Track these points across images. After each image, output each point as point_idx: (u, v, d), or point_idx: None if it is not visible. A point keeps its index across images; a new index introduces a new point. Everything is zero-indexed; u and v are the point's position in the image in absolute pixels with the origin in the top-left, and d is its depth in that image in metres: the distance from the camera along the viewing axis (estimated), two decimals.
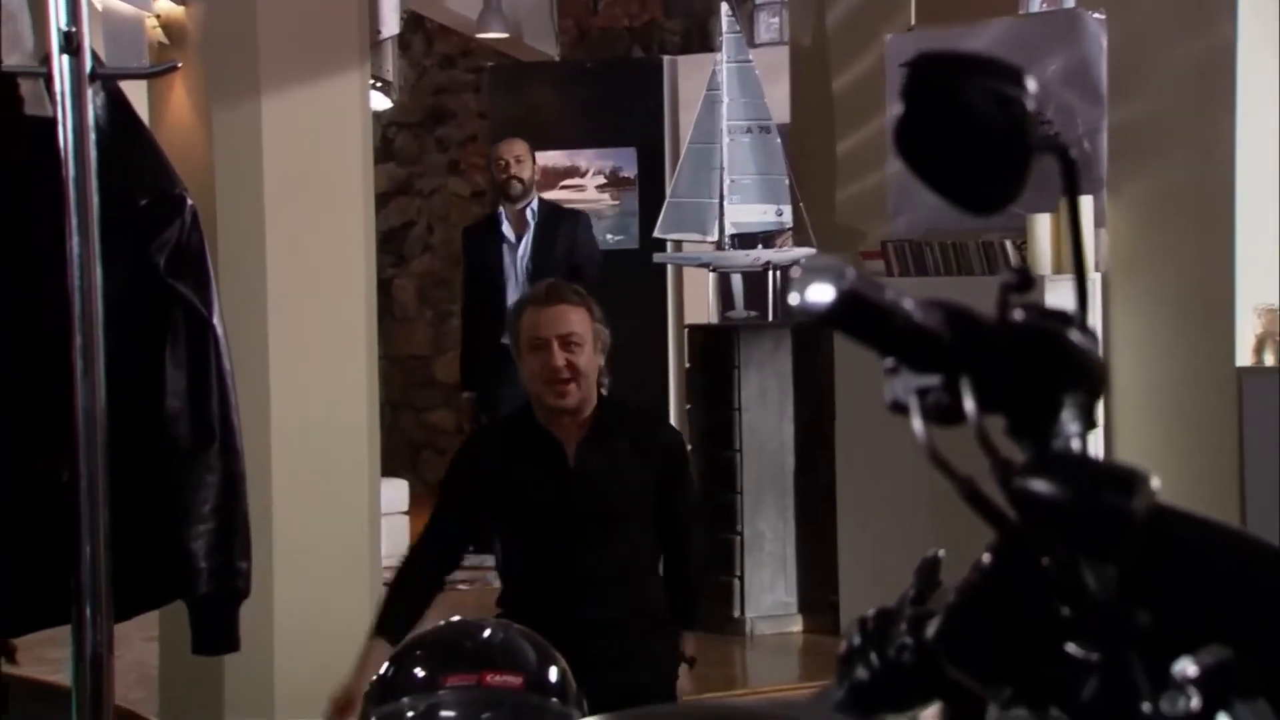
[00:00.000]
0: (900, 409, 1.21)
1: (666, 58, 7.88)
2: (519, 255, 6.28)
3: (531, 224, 6.31)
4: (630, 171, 7.80)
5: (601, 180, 7.83)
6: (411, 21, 8.61)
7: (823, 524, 5.70)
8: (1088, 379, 1.23)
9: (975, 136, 1.18)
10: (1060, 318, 1.23)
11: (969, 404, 1.17)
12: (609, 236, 7.60)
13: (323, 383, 4.42)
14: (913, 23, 5.93)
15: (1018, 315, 1.21)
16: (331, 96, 4.53)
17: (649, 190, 7.57)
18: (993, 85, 1.18)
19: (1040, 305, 1.23)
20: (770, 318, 6.06)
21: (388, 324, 8.53)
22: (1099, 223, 5.34)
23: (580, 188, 7.79)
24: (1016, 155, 1.19)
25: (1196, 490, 5.06)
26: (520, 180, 6.32)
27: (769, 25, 8.06)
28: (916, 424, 1.19)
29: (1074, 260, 1.25)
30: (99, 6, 4.10)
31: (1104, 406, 5.42)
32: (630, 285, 6.77)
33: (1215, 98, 5.09)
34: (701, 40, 8.08)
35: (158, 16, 4.44)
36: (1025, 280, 1.17)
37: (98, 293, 2.48)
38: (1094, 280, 5.33)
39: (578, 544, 3.39)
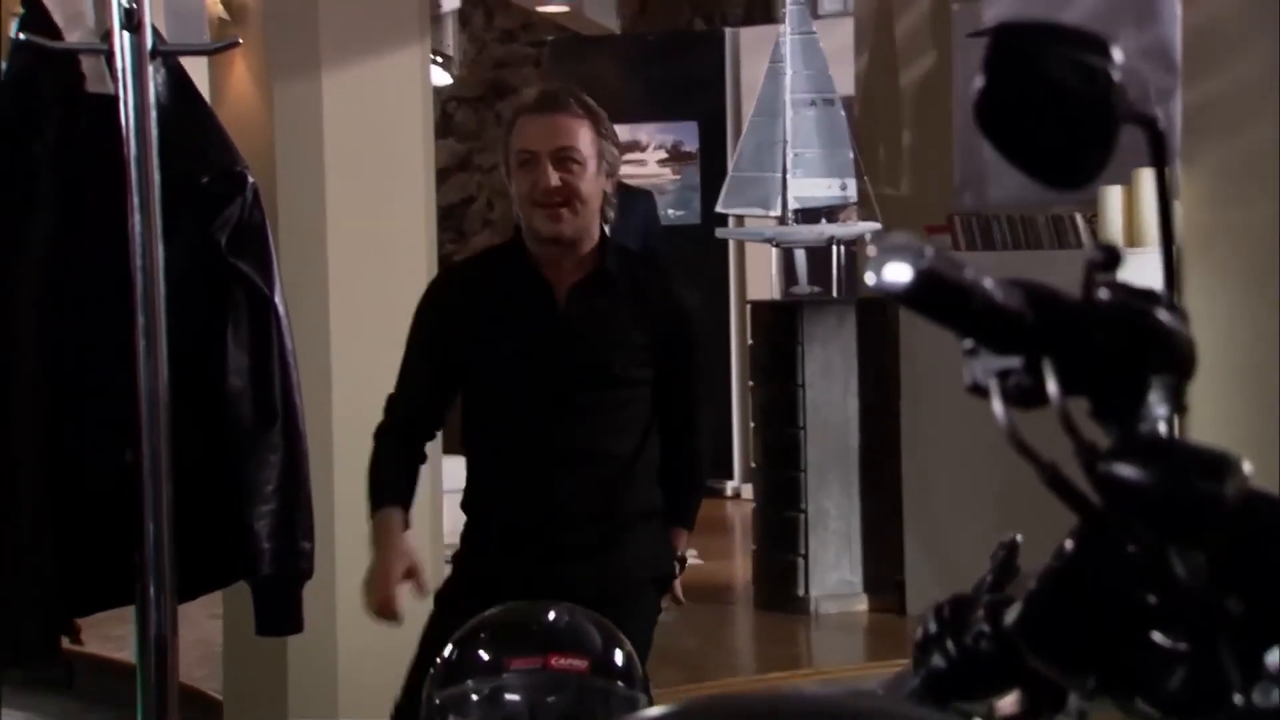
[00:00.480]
0: (980, 391, 1.17)
1: (728, 29, 7.81)
2: None
3: None
4: (692, 145, 7.75)
5: (663, 154, 7.79)
6: None
7: (888, 502, 5.64)
8: (1177, 359, 1.19)
9: (1059, 108, 1.13)
10: (1148, 296, 1.19)
11: (1052, 386, 1.13)
12: (670, 211, 7.55)
13: (384, 360, 4.39)
14: None
15: (1103, 293, 1.17)
16: (392, 72, 4.50)
17: (711, 164, 7.52)
18: (1078, 55, 1.13)
19: (1126, 283, 1.18)
20: (834, 293, 6.00)
21: None
22: (1173, 195, 5.24)
23: (641, 162, 7.75)
24: (1102, 127, 1.14)
25: (1264, 441, 4.97)
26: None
27: None
28: (997, 407, 1.15)
29: (1162, 235, 1.21)
30: None
31: None
32: (692, 261, 6.72)
33: None
34: (764, 11, 8.00)
35: None
36: (1111, 257, 1.13)
37: (159, 272, 2.47)
38: None
39: (559, 407, 2.86)
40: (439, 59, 4.81)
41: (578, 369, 2.87)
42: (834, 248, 5.95)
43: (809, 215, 5.95)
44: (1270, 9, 5.03)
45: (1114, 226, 5.24)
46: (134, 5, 2.46)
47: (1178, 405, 1.18)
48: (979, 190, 5.73)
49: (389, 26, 4.52)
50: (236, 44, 2.53)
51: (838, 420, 5.74)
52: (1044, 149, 1.15)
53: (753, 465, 6.12)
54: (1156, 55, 5.34)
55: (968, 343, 1.18)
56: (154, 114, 2.48)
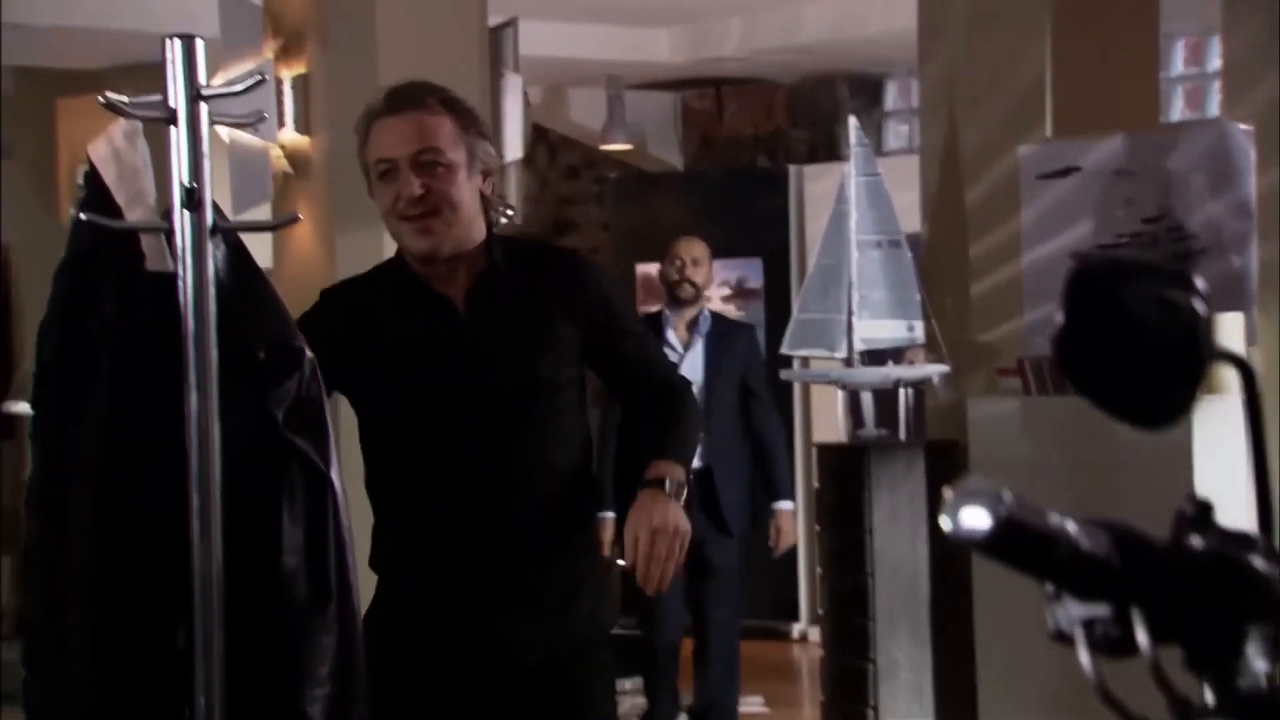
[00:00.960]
0: (1064, 639, 1.11)
1: (792, 167, 7.81)
2: (685, 368, 5.55)
3: (701, 335, 5.79)
4: (756, 282, 7.72)
5: (727, 291, 7.76)
6: (536, 132, 8.66)
7: (960, 652, 5.50)
8: (1276, 610, 1.11)
9: (1143, 348, 1.07)
10: (1243, 541, 1.11)
11: (1142, 636, 1.07)
12: None
13: None
14: (1049, 133, 5.80)
15: (1194, 540, 1.10)
16: None
17: (775, 301, 7.49)
18: (1160, 290, 1.07)
19: (1220, 527, 1.11)
20: (902, 436, 5.91)
21: None
22: (1250, 341, 5.13)
23: (706, 299, 7.73)
24: (1189, 367, 1.08)
25: None
26: (694, 284, 5.81)
27: (898, 133, 7.97)
28: (1084, 658, 1.09)
29: (1255, 476, 1.13)
30: (226, 139, 4.12)
31: (1260, 534, 5.16)
32: None
33: None
34: (828, 148, 8.01)
35: (282, 146, 4.46)
36: (1204, 512, 1.06)
37: (215, 451, 2.44)
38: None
39: (484, 428, 2.51)
40: (508, 212, 4.81)
41: (498, 380, 2.54)
42: (901, 390, 5.87)
43: (875, 357, 5.88)
44: None
45: None
46: (195, 184, 2.45)
47: (1279, 659, 1.11)
48: (1050, 334, 5.64)
49: None
50: (296, 220, 2.51)
51: (907, 567, 5.62)
52: (1128, 389, 1.09)
53: (820, 612, 6.00)
54: (1229, 200, 5.26)
55: (1049, 588, 1.12)
56: (213, 291, 2.47)
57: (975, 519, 1.01)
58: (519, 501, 2.56)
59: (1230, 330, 5.08)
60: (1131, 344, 1.06)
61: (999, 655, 5.43)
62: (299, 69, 4.43)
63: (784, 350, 6.11)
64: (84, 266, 2.59)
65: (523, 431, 2.57)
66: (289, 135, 4.43)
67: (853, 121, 6.13)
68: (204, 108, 2.50)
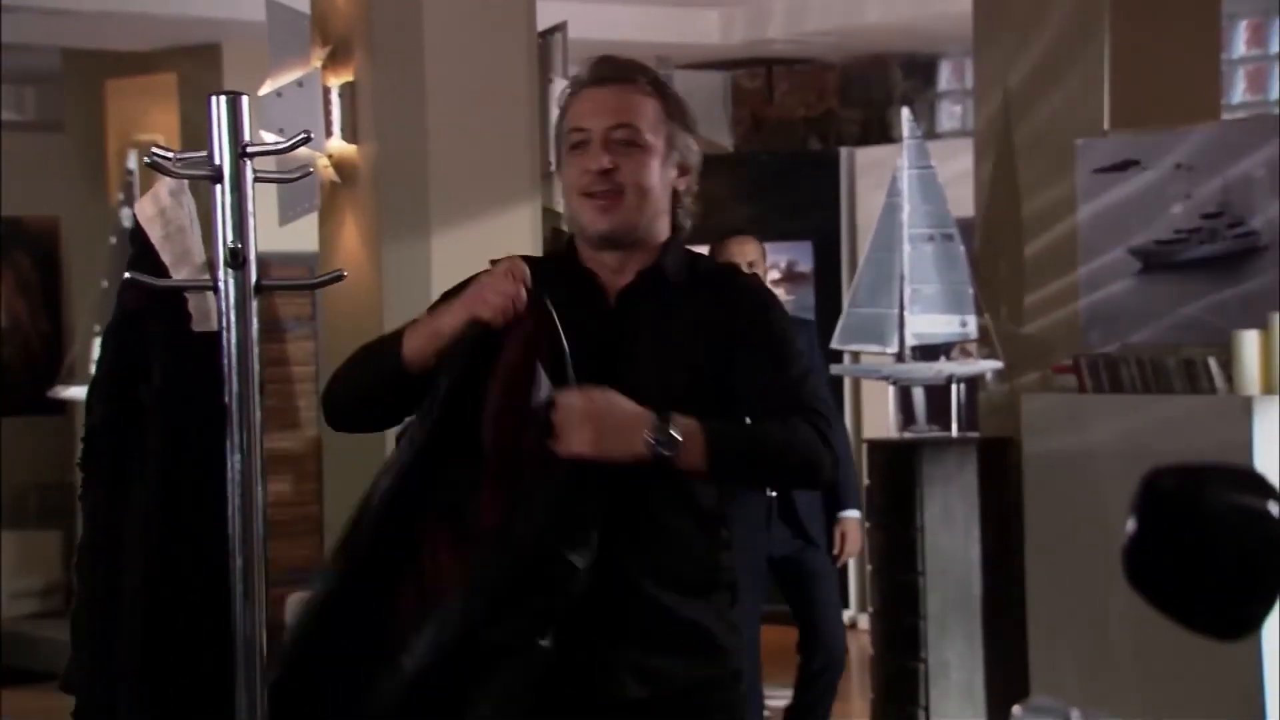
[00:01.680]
0: None
1: (844, 149, 7.72)
2: None
3: None
4: (806, 265, 7.65)
5: (776, 275, 7.69)
6: None
7: (1014, 653, 5.45)
8: None
9: (1219, 557, 1.02)
10: None
11: None
12: None
13: None
14: (1106, 125, 5.69)
15: None
16: (503, 230, 4.46)
17: (825, 285, 7.41)
18: (1236, 499, 1.02)
19: None
20: (954, 433, 5.84)
21: None
22: None
23: None
24: (1267, 576, 1.02)
25: None
26: None
27: (951, 114, 7.86)
28: None
29: None
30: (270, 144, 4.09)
31: None
32: None
33: None
34: (880, 130, 7.90)
35: (330, 155, 4.43)
36: None
37: (259, 514, 2.42)
38: None
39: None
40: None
41: (632, 386, 2.29)
42: (953, 386, 5.79)
43: (928, 352, 5.80)
44: None
45: (1250, 373, 5.04)
46: (238, 244, 2.42)
47: None
48: (1107, 329, 5.56)
49: (500, 184, 4.48)
50: (341, 277, 2.48)
51: (959, 566, 5.57)
52: (1203, 600, 1.04)
53: (869, 610, 5.96)
54: None
55: None
56: (256, 350, 2.44)
57: None
58: (648, 538, 2.33)
59: None
60: (1206, 554, 1.00)
61: (1052, 656, 5.38)
62: (346, 77, 4.39)
63: (835, 344, 6.04)
64: (132, 328, 2.58)
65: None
66: (336, 144, 4.39)
67: (905, 113, 6.04)
68: (249, 165, 2.46)
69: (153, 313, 2.55)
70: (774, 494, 4.97)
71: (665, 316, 2.37)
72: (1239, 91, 6.99)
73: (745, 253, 5.31)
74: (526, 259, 2.45)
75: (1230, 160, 5.28)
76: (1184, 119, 5.57)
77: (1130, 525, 1.01)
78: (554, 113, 4.72)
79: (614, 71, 2.36)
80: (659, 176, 2.35)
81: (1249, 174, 5.24)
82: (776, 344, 2.42)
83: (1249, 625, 1.02)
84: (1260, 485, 1.00)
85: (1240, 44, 7.12)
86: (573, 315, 2.32)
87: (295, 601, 8.19)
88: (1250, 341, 5.04)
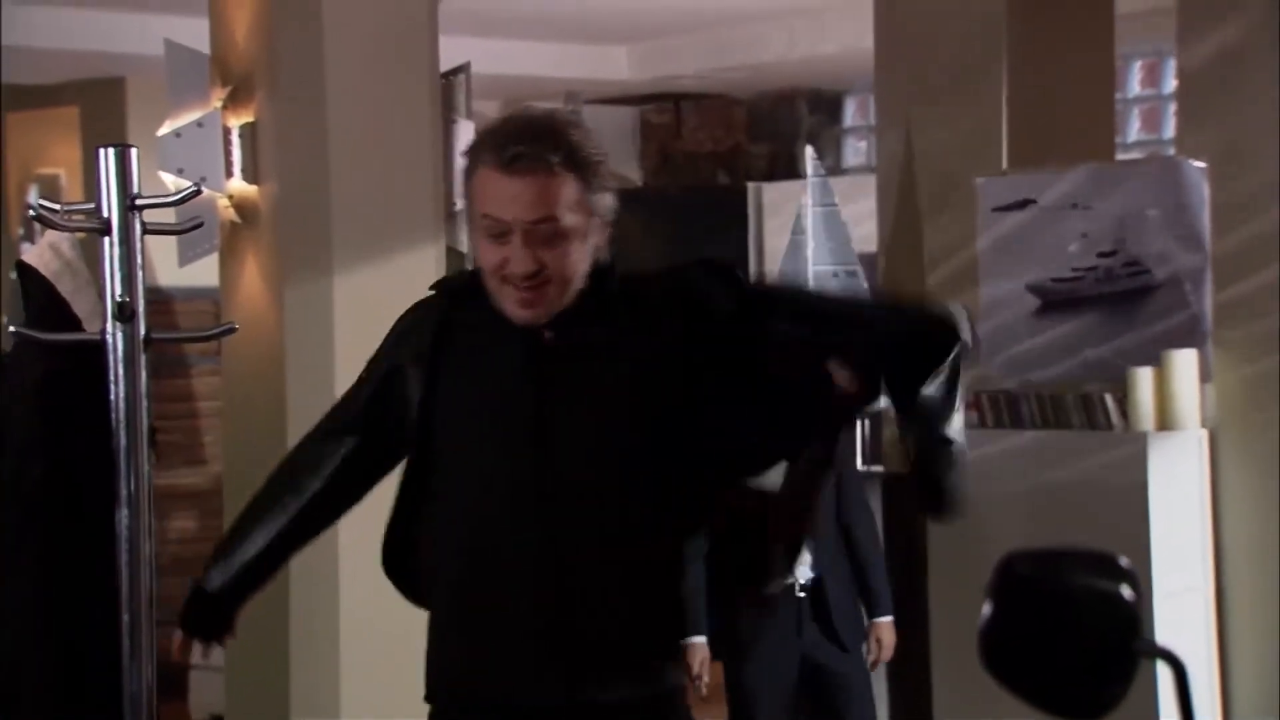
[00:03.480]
0: None
1: (751, 184, 7.77)
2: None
3: None
4: None
5: None
6: None
7: (917, 671, 5.50)
8: None
9: (1075, 639, 1.04)
10: None
11: None
12: None
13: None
14: (1004, 163, 5.77)
15: None
16: (406, 271, 4.45)
17: None
18: (1091, 582, 1.04)
19: None
20: (859, 467, 5.89)
21: None
22: (1205, 378, 5.12)
23: None
24: (1121, 661, 1.05)
25: None
26: None
27: (857, 150, 7.94)
28: None
29: None
30: (172, 187, 4.06)
31: (1213, 570, 5.21)
32: None
33: None
34: (788, 166, 7.97)
35: (230, 195, 4.40)
36: None
37: (146, 569, 2.41)
38: (1201, 436, 5.11)
39: (551, 498, 2.21)
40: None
41: (575, 429, 2.24)
42: (859, 421, 5.85)
43: None
44: None
45: (1145, 409, 5.12)
46: (127, 297, 2.40)
47: None
48: (1007, 365, 5.63)
49: (403, 225, 4.47)
50: (233, 329, 2.46)
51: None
52: (1059, 683, 1.06)
53: None
54: (1184, 235, 5.25)
55: None
56: (145, 404, 2.43)
57: None
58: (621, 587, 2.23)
59: (1186, 367, 5.08)
60: (1062, 637, 1.03)
61: (955, 676, 5.42)
62: (247, 117, 4.36)
63: None
64: (59, 383, 2.57)
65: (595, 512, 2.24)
66: (237, 184, 4.36)
67: (809, 151, 6.10)
68: (138, 218, 2.45)
69: (82, 368, 2.54)
70: (803, 594, 4.75)
71: (594, 360, 2.26)
72: (1134, 130, 7.12)
73: None
74: (439, 300, 2.47)
75: (1125, 199, 5.37)
76: (1080, 157, 5.66)
77: (986, 609, 1.03)
78: (458, 155, 4.75)
79: (526, 155, 2.18)
80: (582, 254, 2.25)
81: (1143, 213, 5.33)
82: (790, 297, 2.36)
83: (1103, 708, 1.05)
84: (1113, 569, 1.03)
85: (1135, 83, 7.26)
86: (492, 368, 2.28)
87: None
88: (1145, 379, 5.12)
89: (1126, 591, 1.02)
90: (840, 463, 4.99)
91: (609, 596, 2.25)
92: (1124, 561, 1.03)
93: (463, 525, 2.32)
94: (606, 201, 2.30)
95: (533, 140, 2.21)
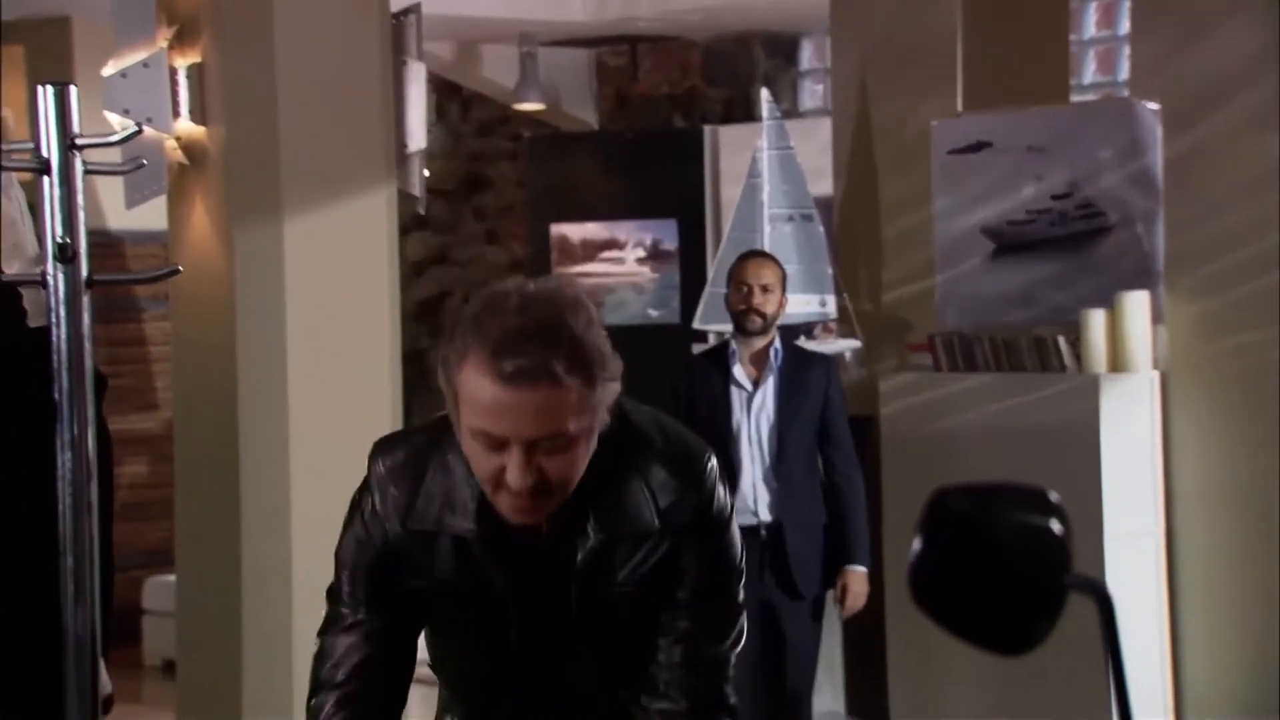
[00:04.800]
0: None
1: (708, 127, 7.74)
2: (755, 407, 4.92)
3: (774, 370, 4.93)
4: (671, 244, 7.67)
5: (641, 253, 7.70)
6: (448, 88, 8.52)
7: (872, 626, 5.53)
8: None
9: (1004, 575, 1.04)
10: None
11: None
12: (650, 311, 7.48)
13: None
14: (960, 107, 5.76)
15: None
16: (356, 213, 4.41)
17: (690, 263, 7.44)
18: (1020, 517, 1.04)
19: None
20: None
21: (423, 395, 8.43)
22: (1157, 319, 5.15)
23: (620, 260, 7.67)
24: (1049, 595, 1.05)
25: (1260, 599, 4.87)
26: (763, 315, 4.92)
27: (813, 93, 7.91)
28: None
29: (1117, 706, 1.10)
30: (118, 128, 4.01)
31: (1164, 511, 5.25)
32: (671, 362, 6.61)
33: (1270, 188, 4.90)
34: (744, 109, 7.93)
35: (177, 138, 4.35)
36: None
37: (91, 513, 2.37)
38: (1152, 378, 5.14)
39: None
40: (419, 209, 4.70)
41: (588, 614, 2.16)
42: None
43: (787, 332, 5.85)
44: (1248, 128, 4.97)
45: (1097, 351, 5.15)
46: (67, 239, 2.36)
47: None
48: (962, 308, 5.65)
49: (353, 167, 4.43)
50: (177, 271, 2.43)
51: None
52: (988, 618, 1.06)
53: None
54: (1137, 178, 5.27)
55: None
56: (88, 346, 2.39)
57: None
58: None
59: (1138, 309, 5.11)
60: (992, 572, 1.03)
61: (908, 630, 5.46)
62: (194, 58, 4.31)
63: (696, 325, 6.07)
64: None
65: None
66: (184, 126, 4.31)
67: (765, 94, 6.07)
68: (78, 157, 2.41)
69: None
70: (765, 541, 4.75)
71: (579, 552, 2.11)
72: (1089, 72, 7.12)
73: (761, 275, 4.95)
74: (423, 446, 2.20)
75: (1079, 142, 5.38)
76: (1035, 100, 5.66)
77: (916, 544, 1.03)
78: (410, 94, 4.70)
79: (529, 372, 1.91)
80: (588, 452, 2.02)
81: (1097, 156, 5.34)
82: (711, 590, 2.18)
83: (1032, 642, 1.05)
84: (1044, 504, 1.03)
85: (1090, 25, 7.26)
86: (504, 565, 2.13)
87: (154, 584, 8.06)
88: (1097, 321, 5.14)
89: (1056, 526, 1.02)
90: (829, 415, 4.97)
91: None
92: (1054, 496, 1.03)
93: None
94: (612, 391, 2.01)
95: (537, 348, 1.92)
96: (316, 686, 2.24)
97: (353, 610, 2.22)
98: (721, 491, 2.18)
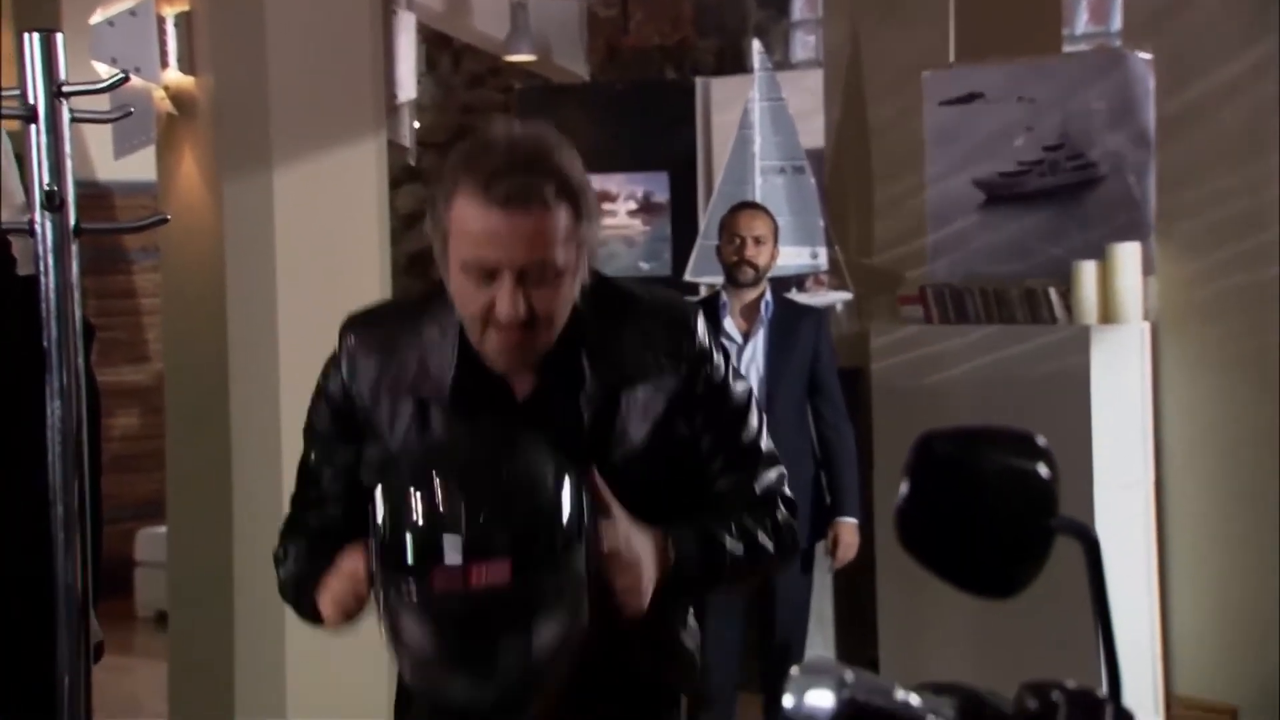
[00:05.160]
0: None
1: (699, 79, 7.70)
2: (745, 359, 4.92)
3: (764, 322, 4.93)
4: (662, 196, 7.64)
5: (633, 205, 7.68)
6: (438, 39, 8.48)
7: (863, 578, 5.56)
8: None
9: (990, 518, 1.05)
10: (1089, 704, 1.09)
11: None
12: (642, 264, 7.46)
13: None
14: (951, 57, 5.74)
15: (1031, 703, 1.07)
16: (346, 165, 4.40)
17: (682, 216, 7.42)
18: (1007, 460, 1.05)
19: (1067, 688, 1.09)
20: None
21: None
22: (1148, 270, 5.15)
23: (612, 213, 7.64)
24: (1036, 538, 1.05)
25: (1249, 550, 4.90)
26: (755, 267, 4.92)
27: (805, 44, 7.88)
28: None
29: (1103, 649, 1.11)
30: (106, 77, 3.98)
31: (1154, 463, 5.26)
32: None
33: (1265, 147, 4.89)
34: (735, 61, 7.90)
35: (166, 88, 4.32)
36: (1048, 708, 1.03)
37: (81, 461, 2.38)
38: (1143, 329, 5.15)
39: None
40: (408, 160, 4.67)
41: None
42: None
43: (779, 284, 5.85)
44: (1240, 78, 4.96)
45: (1088, 302, 5.15)
46: (54, 187, 2.36)
47: None
48: (953, 260, 5.64)
49: (343, 118, 4.41)
50: (165, 220, 2.42)
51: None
52: (974, 561, 1.06)
53: None
54: (1129, 128, 5.25)
55: None
56: (77, 295, 2.39)
57: (819, 699, 0.98)
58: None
59: (1129, 261, 5.10)
60: (978, 516, 1.03)
61: (898, 583, 5.49)
62: (181, 6, 4.28)
63: (688, 277, 6.07)
64: None
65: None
66: (173, 75, 4.28)
67: (756, 45, 6.05)
68: (65, 105, 2.40)
69: None
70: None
71: (582, 408, 2.10)
72: (1082, 23, 7.09)
73: (753, 227, 4.92)
74: (393, 314, 2.24)
75: (1070, 93, 5.37)
76: (1027, 50, 5.65)
77: (904, 488, 1.03)
78: (400, 45, 4.68)
79: (520, 193, 1.94)
80: (573, 291, 2.04)
81: (1089, 106, 5.33)
82: (722, 400, 2.17)
83: (1018, 585, 1.05)
84: (1031, 448, 1.03)
85: None
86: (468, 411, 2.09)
87: (146, 536, 8.05)
88: (1088, 272, 5.15)
89: (1043, 470, 1.02)
90: (818, 367, 4.95)
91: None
92: (1041, 440, 1.03)
93: None
94: (595, 230, 2.05)
95: (525, 171, 1.95)
96: (278, 565, 2.32)
97: (317, 502, 2.27)
98: (713, 342, 2.18)
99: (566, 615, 1.91)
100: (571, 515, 1.92)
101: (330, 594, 2.13)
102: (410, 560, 1.87)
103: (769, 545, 2.15)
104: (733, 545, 2.12)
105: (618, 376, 2.12)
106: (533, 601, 1.88)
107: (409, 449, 2.13)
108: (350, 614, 2.12)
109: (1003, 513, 1.03)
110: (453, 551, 1.86)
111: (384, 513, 1.91)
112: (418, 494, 1.90)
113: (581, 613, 1.93)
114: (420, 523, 1.89)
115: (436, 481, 1.91)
